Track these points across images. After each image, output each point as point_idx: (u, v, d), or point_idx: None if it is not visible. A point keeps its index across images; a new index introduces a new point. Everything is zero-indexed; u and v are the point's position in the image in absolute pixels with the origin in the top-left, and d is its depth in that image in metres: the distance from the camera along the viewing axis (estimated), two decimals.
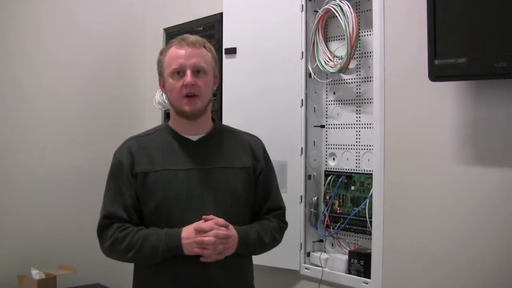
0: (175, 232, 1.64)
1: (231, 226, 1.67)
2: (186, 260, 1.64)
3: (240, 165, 1.78)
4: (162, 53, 1.77)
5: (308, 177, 2.28)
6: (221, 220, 1.65)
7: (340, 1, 2.09)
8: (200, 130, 1.78)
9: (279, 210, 1.86)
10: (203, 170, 1.72)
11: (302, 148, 2.26)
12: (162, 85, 1.78)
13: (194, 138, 1.77)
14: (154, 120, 3.12)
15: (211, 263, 1.65)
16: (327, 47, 2.21)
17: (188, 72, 1.68)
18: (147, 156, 1.72)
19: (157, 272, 1.69)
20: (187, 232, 1.63)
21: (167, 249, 1.63)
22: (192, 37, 1.74)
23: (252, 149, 1.83)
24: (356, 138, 2.18)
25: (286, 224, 1.88)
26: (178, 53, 1.71)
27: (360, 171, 2.15)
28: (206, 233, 1.61)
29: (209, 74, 1.74)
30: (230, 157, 1.78)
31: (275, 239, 1.82)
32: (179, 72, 1.70)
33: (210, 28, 2.73)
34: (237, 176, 1.76)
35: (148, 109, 3.17)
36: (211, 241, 1.61)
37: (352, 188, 2.17)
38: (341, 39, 2.18)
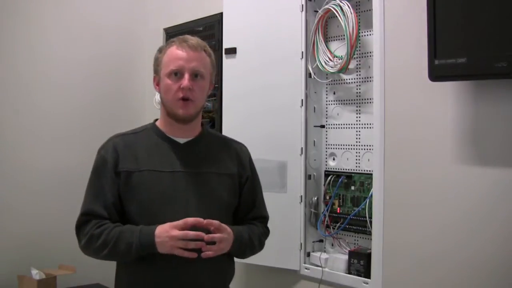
0: (149, 230, 1.60)
1: (218, 224, 1.62)
2: (165, 260, 1.61)
3: (226, 171, 1.76)
4: (161, 51, 1.73)
5: (308, 177, 2.28)
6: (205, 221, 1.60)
7: (340, 1, 2.09)
8: (189, 134, 1.76)
9: (263, 219, 1.86)
10: (188, 174, 1.70)
11: (302, 148, 2.25)
12: (157, 83, 1.75)
13: (182, 140, 1.74)
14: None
15: (195, 265, 1.61)
16: (327, 47, 2.21)
17: (186, 76, 1.66)
18: (132, 155, 1.70)
19: (138, 272, 1.66)
20: (161, 230, 1.59)
21: (140, 246, 1.59)
22: (193, 40, 1.71)
23: (238, 156, 1.82)
24: (356, 138, 2.18)
25: (269, 230, 1.89)
26: (178, 54, 1.67)
27: (360, 171, 2.15)
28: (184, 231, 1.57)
29: (205, 79, 1.71)
30: (216, 163, 1.76)
31: (261, 243, 1.83)
32: (177, 74, 1.67)
33: (210, 28, 2.73)
34: (222, 182, 1.75)
35: (148, 109, 3.17)
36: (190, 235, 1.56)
37: (352, 188, 2.16)
38: (341, 39, 2.18)
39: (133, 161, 1.69)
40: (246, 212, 1.82)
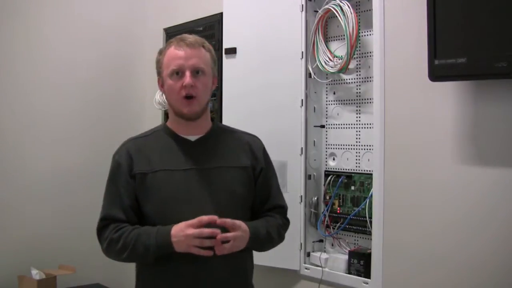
0: (165, 230, 1.62)
1: (233, 221, 1.63)
2: (187, 259, 1.63)
3: (239, 164, 1.77)
4: (161, 53, 1.76)
5: (308, 177, 2.28)
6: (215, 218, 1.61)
7: (340, 1, 2.09)
8: (199, 130, 1.78)
9: (281, 208, 1.86)
10: (201, 171, 1.72)
11: (302, 148, 2.26)
12: (161, 85, 1.78)
13: (193, 138, 1.77)
14: (154, 120, 3.12)
15: (214, 261, 1.63)
16: (327, 47, 2.22)
17: (187, 73, 1.68)
18: (146, 157, 1.73)
19: (158, 271, 1.69)
20: (176, 229, 1.60)
21: (157, 248, 1.61)
22: (191, 37, 1.73)
23: (251, 149, 1.82)
24: (356, 138, 2.18)
25: (288, 221, 1.89)
26: (177, 54, 1.70)
27: (360, 171, 2.15)
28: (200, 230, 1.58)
29: (207, 75, 1.73)
30: (228, 157, 1.78)
31: (280, 235, 1.82)
32: (178, 73, 1.69)
33: (210, 28, 2.73)
34: (235, 176, 1.76)
35: (148, 109, 3.17)
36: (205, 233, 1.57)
37: (352, 188, 2.17)
38: (341, 39, 2.18)
39: (147, 162, 1.72)
40: (262, 203, 1.82)
